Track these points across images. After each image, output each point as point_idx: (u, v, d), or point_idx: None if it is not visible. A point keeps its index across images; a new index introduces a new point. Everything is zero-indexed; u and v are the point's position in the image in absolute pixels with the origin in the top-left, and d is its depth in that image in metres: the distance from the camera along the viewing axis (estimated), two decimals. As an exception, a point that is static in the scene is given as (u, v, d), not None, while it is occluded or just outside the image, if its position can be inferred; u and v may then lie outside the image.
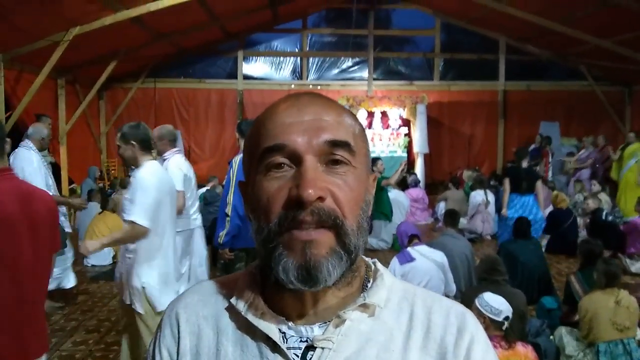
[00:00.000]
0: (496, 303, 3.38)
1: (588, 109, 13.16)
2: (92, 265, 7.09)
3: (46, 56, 8.24)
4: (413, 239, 5.04)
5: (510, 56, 13.45)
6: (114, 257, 7.06)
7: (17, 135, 8.79)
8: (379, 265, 0.89)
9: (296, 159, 0.76)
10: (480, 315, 3.38)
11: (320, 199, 0.74)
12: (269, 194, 0.77)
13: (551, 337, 4.41)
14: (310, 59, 13.72)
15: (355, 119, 0.85)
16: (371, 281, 0.86)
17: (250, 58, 13.66)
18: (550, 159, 11.59)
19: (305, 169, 0.75)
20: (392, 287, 0.86)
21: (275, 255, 0.76)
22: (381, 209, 8.17)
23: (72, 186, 10.85)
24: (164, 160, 4.66)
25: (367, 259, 0.89)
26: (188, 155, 12.92)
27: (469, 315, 0.84)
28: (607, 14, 9.51)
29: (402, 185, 9.86)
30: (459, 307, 0.85)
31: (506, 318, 3.34)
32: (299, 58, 13.69)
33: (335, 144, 0.77)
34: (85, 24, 8.19)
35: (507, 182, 7.53)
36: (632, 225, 7.49)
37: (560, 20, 10.44)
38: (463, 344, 0.80)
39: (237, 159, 4.14)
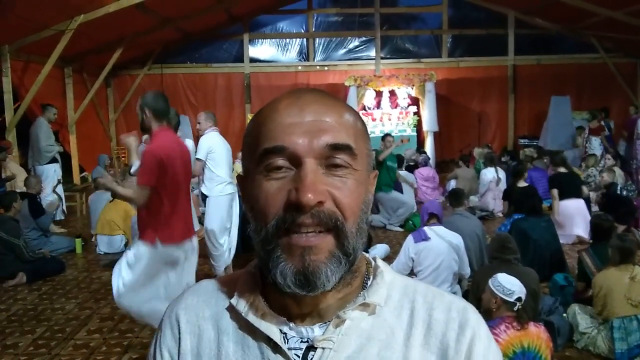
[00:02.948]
0: (509, 284, 3.37)
1: (599, 82, 12.96)
2: (105, 253, 7.09)
3: (52, 45, 8.25)
4: (432, 218, 5.01)
5: (519, 30, 13.24)
6: (126, 244, 7.09)
7: (27, 125, 8.87)
8: (379, 261, 0.88)
9: (296, 161, 0.75)
10: (492, 295, 3.37)
11: (320, 203, 0.73)
12: (268, 194, 0.76)
13: (564, 314, 4.39)
14: (317, 40, 13.61)
15: (358, 118, 0.83)
16: (371, 278, 0.84)
17: (256, 41, 13.57)
18: (607, 133, 10.95)
19: (305, 173, 0.73)
20: (393, 284, 0.85)
21: (274, 258, 0.75)
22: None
23: (83, 174, 10.94)
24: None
25: (367, 255, 0.88)
26: (196, 140, 12.92)
27: (471, 311, 0.83)
28: (617, -16, 9.34)
29: (399, 161, 9.70)
30: (460, 303, 0.84)
31: (518, 299, 3.33)
32: (305, 39, 13.58)
33: (336, 147, 0.76)
34: (90, 11, 8.18)
35: (506, 205, 7.33)
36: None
37: (569, -8, 10.26)
38: (465, 340, 0.80)
39: None
